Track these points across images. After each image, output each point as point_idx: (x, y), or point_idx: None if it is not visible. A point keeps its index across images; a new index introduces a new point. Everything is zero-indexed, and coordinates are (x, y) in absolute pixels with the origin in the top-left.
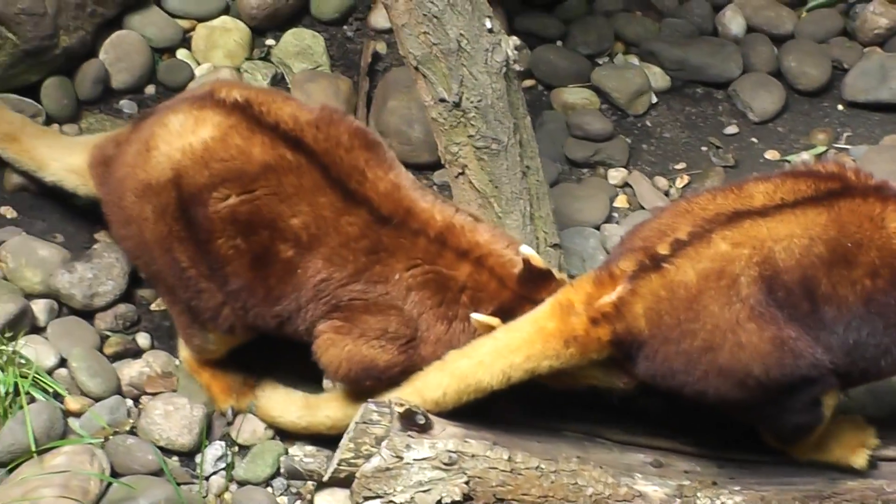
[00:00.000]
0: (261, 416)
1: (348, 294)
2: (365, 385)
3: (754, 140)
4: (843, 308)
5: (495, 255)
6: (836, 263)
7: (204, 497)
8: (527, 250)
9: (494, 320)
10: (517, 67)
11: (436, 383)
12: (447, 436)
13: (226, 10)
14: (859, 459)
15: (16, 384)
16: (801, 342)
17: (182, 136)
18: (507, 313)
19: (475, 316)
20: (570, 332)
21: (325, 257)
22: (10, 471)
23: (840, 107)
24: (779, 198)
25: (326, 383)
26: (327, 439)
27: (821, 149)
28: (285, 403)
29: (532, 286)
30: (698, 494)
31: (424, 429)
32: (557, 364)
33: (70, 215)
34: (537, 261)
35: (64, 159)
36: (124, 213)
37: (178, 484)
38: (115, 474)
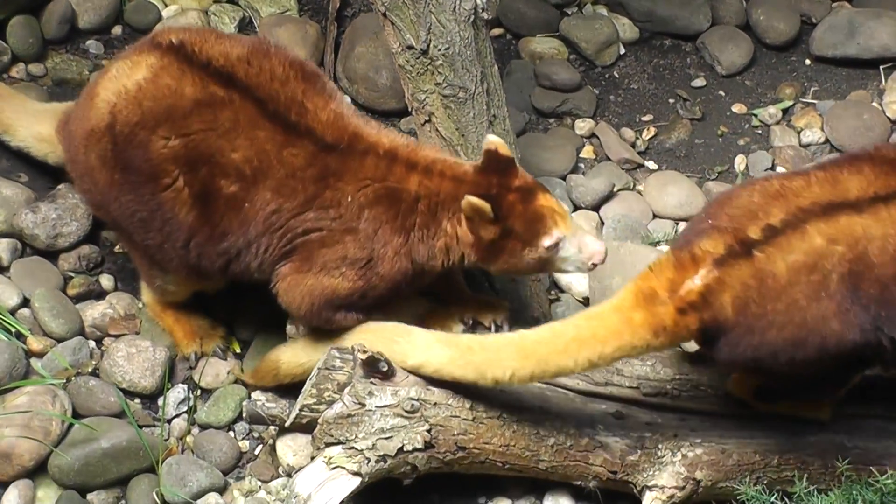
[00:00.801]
0: (398, 363)
1: (301, 224)
2: (330, 320)
3: (721, 93)
4: None
5: (443, 162)
6: None
7: (165, 440)
8: (493, 139)
9: (485, 204)
10: (485, 16)
11: (505, 364)
12: (409, 383)
13: None
14: (823, 413)
15: None
16: (881, 336)
17: (118, 80)
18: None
19: (468, 198)
20: (658, 323)
21: (273, 189)
22: None
23: (808, 61)
24: (872, 191)
25: (290, 329)
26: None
27: (787, 103)
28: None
29: (495, 175)
30: (659, 446)
31: (387, 376)
32: (645, 351)
33: None
34: (504, 149)
35: (32, 127)
36: (78, 167)
37: (140, 426)
38: (76, 415)
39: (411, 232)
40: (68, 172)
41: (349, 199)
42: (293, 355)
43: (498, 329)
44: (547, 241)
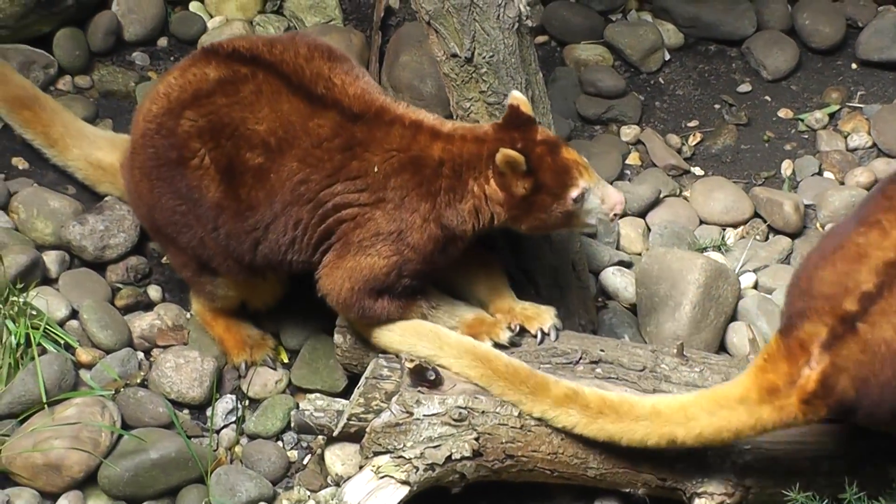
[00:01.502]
0: (526, 413)
1: (331, 198)
2: (371, 308)
3: (767, 98)
4: None
5: (465, 128)
6: None
7: (214, 450)
8: (518, 95)
9: (520, 156)
10: (529, 23)
11: (640, 437)
12: (457, 392)
13: None
14: None
15: (27, 335)
16: None
17: (154, 89)
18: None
19: (503, 150)
20: (788, 416)
21: (299, 159)
22: (22, 422)
23: (854, 65)
24: None
25: (337, 338)
26: (339, 394)
27: (834, 107)
28: (558, 401)
29: (516, 131)
30: (708, 452)
31: (435, 384)
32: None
33: None
34: (526, 107)
35: (89, 150)
36: (131, 190)
37: (189, 437)
38: (125, 426)
39: (437, 196)
40: (130, 205)
41: (375, 169)
42: (388, 338)
43: (544, 337)
44: (574, 193)
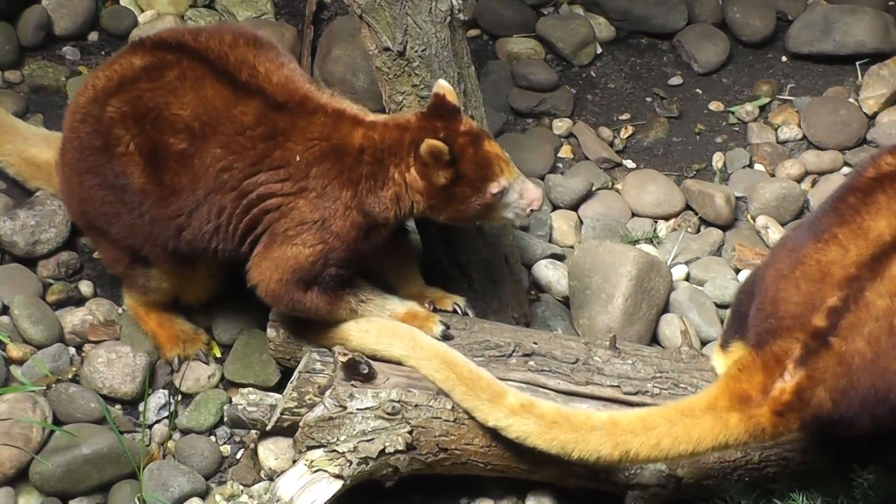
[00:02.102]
0: (480, 420)
1: (255, 188)
2: (301, 301)
3: (698, 91)
4: None
5: (388, 117)
6: None
7: (147, 445)
8: (444, 84)
9: (444, 146)
10: (462, 17)
11: (593, 448)
12: (391, 385)
13: None
14: None
15: None
16: None
17: (83, 83)
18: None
19: (428, 140)
20: (756, 426)
21: (223, 145)
22: None
23: (784, 58)
24: None
25: (270, 332)
26: (272, 388)
27: (764, 100)
28: (513, 410)
29: (440, 120)
30: None
31: (368, 378)
32: (739, 448)
33: None
34: (451, 96)
35: (22, 147)
36: (62, 186)
37: (121, 432)
38: (57, 422)
39: (359, 184)
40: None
41: (297, 158)
42: (362, 338)
43: (464, 314)
44: (495, 188)
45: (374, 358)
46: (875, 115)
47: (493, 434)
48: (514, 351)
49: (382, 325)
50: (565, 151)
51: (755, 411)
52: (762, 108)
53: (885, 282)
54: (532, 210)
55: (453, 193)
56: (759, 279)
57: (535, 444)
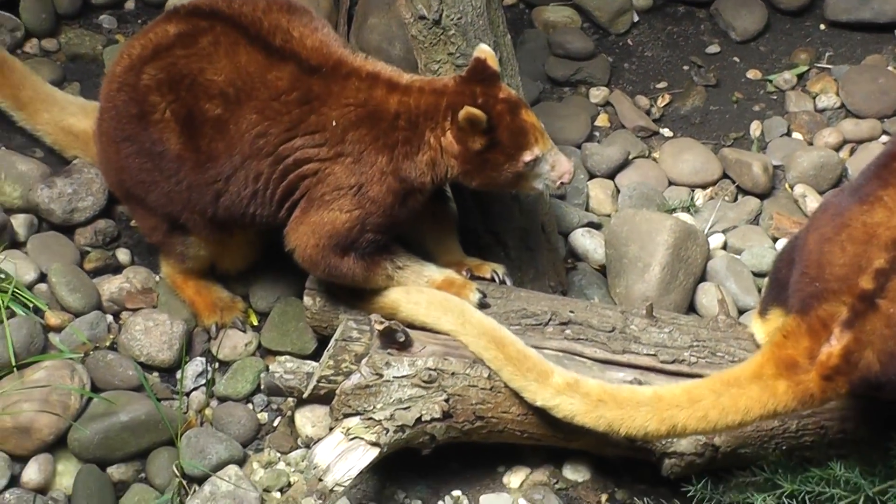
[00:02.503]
0: (528, 399)
1: (291, 153)
2: (338, 266)
3: (736, 59)
4: None
5: (424, 80)
6: None
7: (184, 413)
8: (485, 48)
9: (482, 114)
10: None
11: (639, 424)
12: (427, 354)
13: None
14: None
15: None
16: None
17: (119, 53)
18: (458, 110)
19: (467, 108)
20: (805, 392)
21: (258, 111)
22: None
23: (822, 26)
24: None
25: (307, 300)
26: (309, 356)
27: (802, 68)
28: (559, 389)
29: (479, 85)
30: None
31: (404, 346)
32: (787, 415)
33: None
34: (493, 61)
35: (60, 116)
36: (98, 153)
37: (159, 399)
38: (95, 389)
39: (395, 149)
40: (101, 173)
41: (333, 123)
42: (412, 309)
43: (501, 282)
44: (528, 157)
45: (424, 330)
46: None
47: (528, 403)
48: (550, 319)
49: (433, 298)
50: (602, 120)
51: (803, 377)
52: (800, 77)
53: None
54: (563, 182)
55: (487, 160)
56: (800, 245)
57: (583, 422)
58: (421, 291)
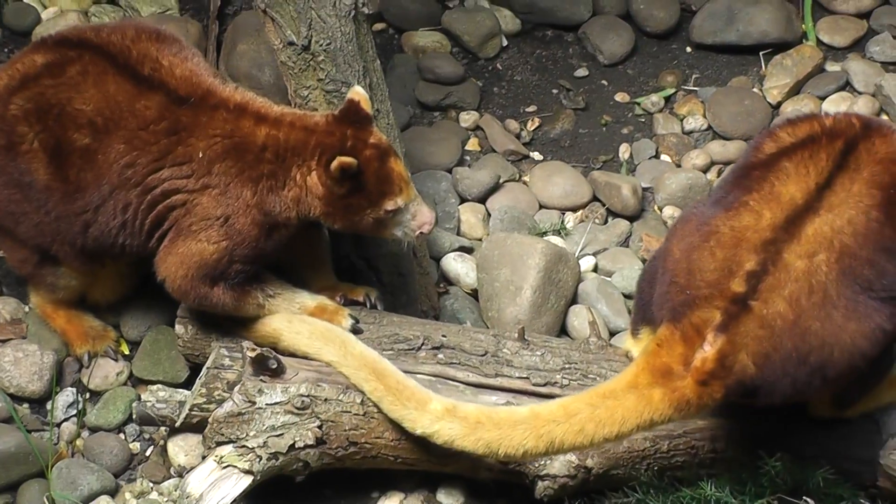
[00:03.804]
0: (408, 428)
1: (159, 183)
2: (207, 296)
3: (604, 82)
4: None
5: (295, 115)
6: (889, 217)
7: (55, 444)
8: (359, 91)
9: (353, 161)
10: (366, 10)
11: (518, 443)
12: (300, 380)
13: None
14: None
15: None
16: (893, 313)
17: None
18: (327, 152)
19: (340, 158)
20: (681, 399)
21: (126, 140)
22: None
23: (688, 49)
24: (813, 184)
25: (178, 328)
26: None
27: (669, 91)
28: (437, 416)
29: (349, 127)
30: None
31: (277, 373)
32: (664, 424)
33: None
34: (366, 104)
35: None
36: None
37: (29, 431)
38: None
39: (259, 182)
40: None
41: (200, 154)
42: (293, 339)
43: (373, 306)
44: (390, 205)
45: (306, 359)
46: (779, 104)
47: (403, 428)
48: (423, 344)
49: (315, 328)
50: (472, 144)
51: (678, 384)
52: (667, 99)
53: (801, 242)
54: (422, 232)
55: (350, 204)
56: (663, 258)
57: (463, 445)
58: (303, 321)
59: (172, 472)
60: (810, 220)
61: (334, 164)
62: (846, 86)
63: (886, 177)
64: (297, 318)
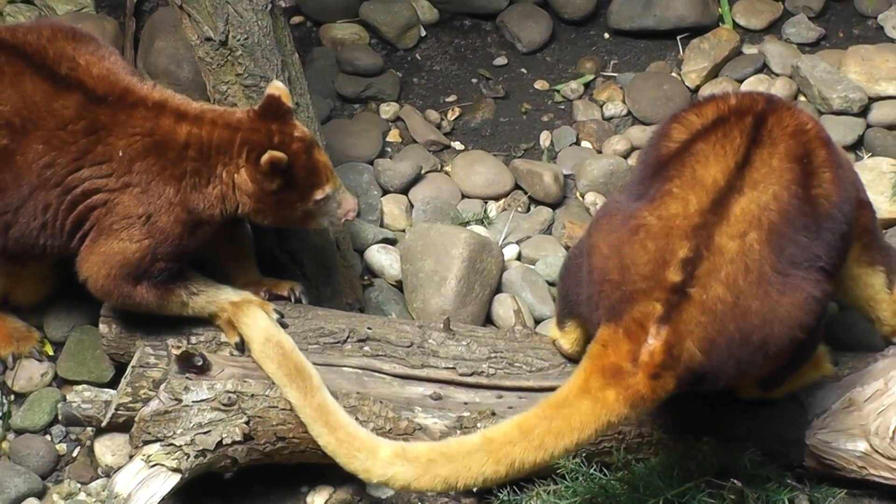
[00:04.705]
0: (364, 478)
1: (79, 183)
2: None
3: (523, 70)
4: (830, 207)
5: (216, 111)
6: (808, 185)
7: None
8: (279, 85)
9: (284, 157)
10: (283, 4)
11: (476, 472)
12: (226, 377)
13: None
14: (826, 368)
15: None
16: (820, 278)
17: None
18: (255, 149)
19: (271, 152)
20: (635, 395)
21: (44, 141)
22: None
23: (606, 35)
24: (732, 163)
25: (102, 328)
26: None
27: (588, 77)
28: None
29: (274, 122)
30: (478, 425)
31: (203, 370)
32: (621, 425)
33: None
34: (287, 98)
35: None
36: None
37: None
38: None
39: (183, 180)
40: None
41: (120, 153)
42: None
43: (297, 300)
44: (319, 195)
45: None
46: (697, 88)
47: None
48: (348, 337)
49: (286, 361)
50: (393, 135)
51: (630, 381)
52: (587, 86)
53: (731, 223)
54: (347, 219)
55: (281, 199)
56: (590, 255)
57: (421, 487)
58: (280, 346)
59: (100, 473)
60: (736, 199)
61: (264, 159)
62: (763, 68)
63: (800, 149)
64: (274, 341)
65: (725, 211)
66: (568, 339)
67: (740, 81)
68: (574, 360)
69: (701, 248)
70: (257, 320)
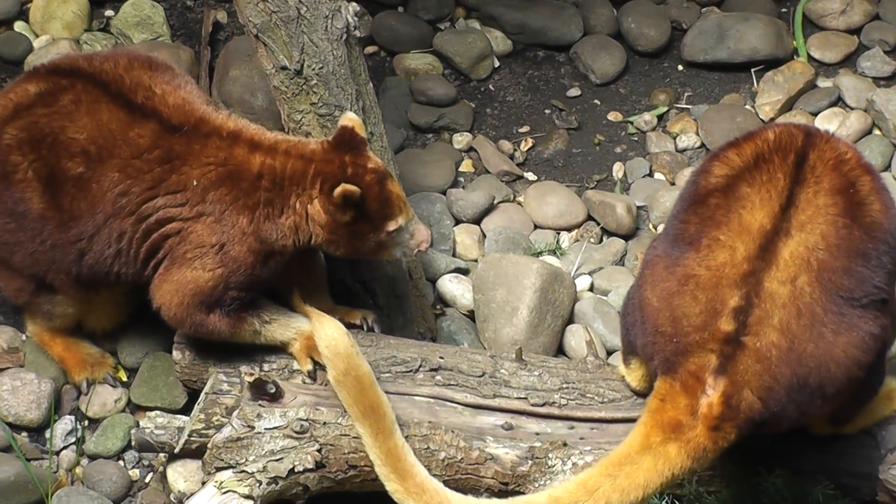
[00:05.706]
0: None
1: (153, 212)
2: (203, 323)
3: (597, 102)
4: (884, 235)
5: (290, 142)
6: (859, 215)
7: (54, 472)
8: (352, 116)
9: (357, 189)
10: (358, 34)
11: None
12: (298, 404)
13: None
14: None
15: None
16: (878, 314)
17: None
18: (328, 181)
19: (344, 185)
20: (697, 448)
21: (120, 169)
22: None
23: (680, 67)
24: (777, 206)
25: (176, 354)
26: (180, 410)
27: (662, 109)
28: None
29: (347, 154)
30: (549, 455)
31: (275, 398)
32: (686, 477)
33: None
34: (360, 129)
35: None
36: None
37: (28, 460)
38: None
39: (256, 210)
40: None
41: (194, 182)
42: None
43: (370, 329)
44: (392, 226)
45: None
46: (771, 120)
47: None
48: (420, 366)
49: (363, 395)
50: (466, 165)
51: (690, 434)
52: (660, 117)
53: (780, 268)
54: (420, 250)
55: (353, 230)
56: (640, 310)
57: None
58: (359, 379)
59: (172, 499)
60: (783, 243)
61: (337, 192)
62: (838, 101)
63: (843, 180)
64: (353, 375)
65: (774, 256)
66: (634, 377)
67: (815, 115)
68: (642, 395)
69: (751, 296)
70: (339, 345)
